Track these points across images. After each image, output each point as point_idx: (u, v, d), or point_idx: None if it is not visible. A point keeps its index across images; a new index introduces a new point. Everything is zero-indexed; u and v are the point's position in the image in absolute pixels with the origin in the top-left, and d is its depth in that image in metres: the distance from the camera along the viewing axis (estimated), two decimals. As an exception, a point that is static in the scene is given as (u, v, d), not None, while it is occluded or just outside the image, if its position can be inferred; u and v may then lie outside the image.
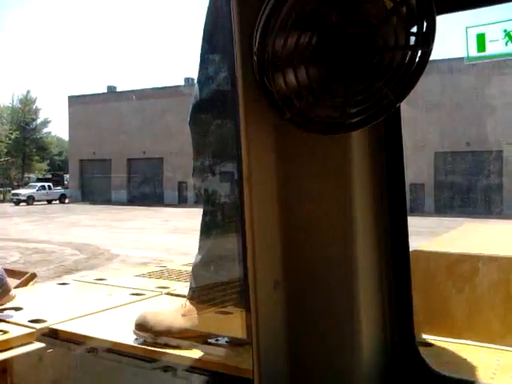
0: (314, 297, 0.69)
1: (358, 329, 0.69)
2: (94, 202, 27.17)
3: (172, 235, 12.19)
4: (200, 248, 1.31)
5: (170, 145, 26.51)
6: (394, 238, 0.74)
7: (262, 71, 0.56)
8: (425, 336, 0.98)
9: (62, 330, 1.30)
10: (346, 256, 0.70)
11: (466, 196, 19.77)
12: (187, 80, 28.18)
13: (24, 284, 2.84)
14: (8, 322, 1.39)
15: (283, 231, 0.67)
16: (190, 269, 2.17)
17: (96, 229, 13.33)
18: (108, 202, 26.52)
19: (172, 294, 1.69)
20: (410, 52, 0.54)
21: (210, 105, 1.23)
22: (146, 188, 27.30)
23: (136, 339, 1.17)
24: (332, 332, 0.69)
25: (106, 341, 1.19)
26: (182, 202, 26.54)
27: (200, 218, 1.35)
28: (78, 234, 12.06)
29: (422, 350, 0.73)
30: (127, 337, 1.23)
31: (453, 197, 20.16)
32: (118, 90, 28.13)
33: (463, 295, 0.94)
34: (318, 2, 0.54)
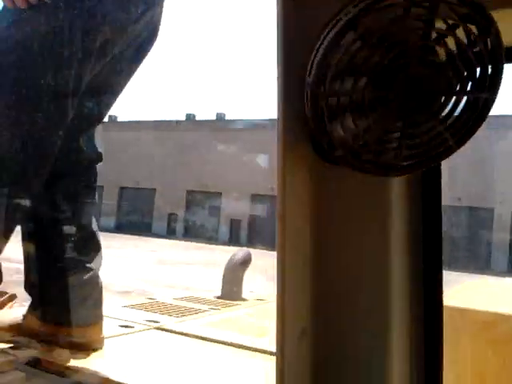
0: (341, 347, 0.64)
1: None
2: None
3: (158, 266, 11.97)
4: None
5: (162, 176, 26.59)
6: (428, 291, 0.70)
7: (316, 117, 0.53)
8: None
9: (44, 360, 1.21)
10: (377, 308, 0.66)
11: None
12: (188, 116, 28.63)
13: (2, 305, 2.71)
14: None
15: (314, 275, 0.63)
16: (181, 303, 2.10)
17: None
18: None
19: (162, 329, 1.61)
20: (473, 97, 0.51)
21: None
22: (134, 217, 27.08)
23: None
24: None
25: (94, 375, 1.10)
26: (170, 233, 26.30)
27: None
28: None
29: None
30: (118, 372, 1.14)
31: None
32: (119, 120, 28.46)
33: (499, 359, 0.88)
34: (375, 43, 0.51)
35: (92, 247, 1.41)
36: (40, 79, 1.17)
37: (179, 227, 27.28)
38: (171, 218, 27.40)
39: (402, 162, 0.53)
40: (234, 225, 25.74)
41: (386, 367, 0.66)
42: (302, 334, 0.62)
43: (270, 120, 25.31)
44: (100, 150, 1.42)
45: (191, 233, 26.45)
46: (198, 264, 13.61)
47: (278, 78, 0.61)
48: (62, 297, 1.35)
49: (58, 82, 1.18)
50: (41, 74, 1.17)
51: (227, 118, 27.87)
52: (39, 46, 1.15)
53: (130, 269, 10.64)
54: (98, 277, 1.40)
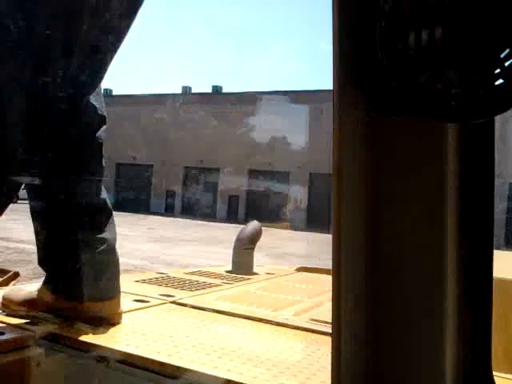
0: (392, 313, 0.61)
1: (438, 354, 0.62)
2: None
3: (156, 244, 11.99)
4: None
5: (160, 152, 26.42)
6: (478, 259, 0.66)
7: (390, 54, 0.48)
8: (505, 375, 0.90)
9: (63, 335, 1.19)
10: (428, 274, 0.63)
11: None
12: (184, 88, 28.23)
13: (6, 283, 2.69)
14: (2, 323, 1.27)
15: (369, 236, 0.59)
16: (192, 277, 2.08)
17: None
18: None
19: (178, 303, 1.58)
20: None
21: None
22: (132, 194, 27.01)
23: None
24: (412, 356, 0.61)
25: (117, 351, 1.08)
26: (168, 210, 26.28)
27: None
28: (61, 235, 11.75)
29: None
30: (139, 346, 1.12)
31: None
32: (114, 93, 28.08)
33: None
34: None
35: (103, 216, 1.35)
36: (31, 36, 1.12)
37: (177, 204, 27.28)
38: (169, 194, 27.37)
39: (480, 103, 0.48)
40: (232, 201, 25.76)
41: (437, 335, 0.64)
42: (355, 303, 0.59)
43: (268, 92, 25.02)
44: (101, 112, 1.34)
45: (189, 210, 26.46)
46: (197, 241, 13.66)
47: (333, 25, 0.56)
48: (77, 271, 1.31)
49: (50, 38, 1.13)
50: (31, 31, 1.12)
51: (224, 90, 27.53)
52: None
53: (129, 247, 10.67)
54: (113, 248, 1.34)
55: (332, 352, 0.56)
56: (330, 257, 0.58)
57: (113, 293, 1.32)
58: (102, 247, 1.31)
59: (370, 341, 0.58)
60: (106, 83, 1.38)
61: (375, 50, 0.52)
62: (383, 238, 0.60)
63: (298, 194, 24.99)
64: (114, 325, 1.28)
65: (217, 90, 27.70)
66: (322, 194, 24.78)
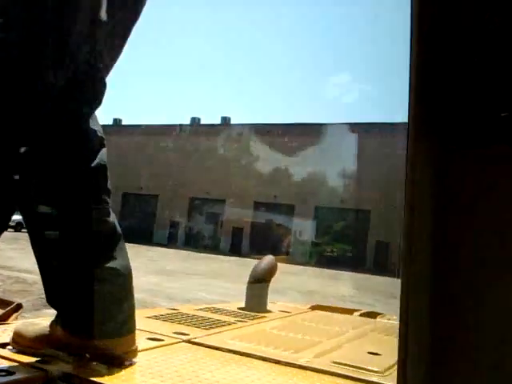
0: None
1: None
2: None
3: (158, 277, 11.84)
4: None
5: (166, 183, 26.51)
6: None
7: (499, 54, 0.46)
8: None
9: (77, 376, 1.13)
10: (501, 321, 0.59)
11: None
12: (193, 119, 28.56)
13: (7, 315, 2.61)
14: (12, 361, 1.21)
15: (436, 276, 0.56)
16: (205, 314, 2.01)
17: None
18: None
19: (193, 343, 1.52)
20: None
21: None
22: (136, 224, 26.94)
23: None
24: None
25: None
26: (171, 241, 26.12)
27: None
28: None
29: None
30: (159, 392, 1.06)
31: None
32: (124, 123, 28.37)
33: None
34: None
35: (113, 242, 1.26)
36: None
37: (181, 235, 27.15)
38: (172, 225, 27.25)
39: None
40: (236, 233, 25.60)
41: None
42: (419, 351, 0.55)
43: (277, 125, 25.24)
44: (101, 134, 1.28)
45: (192, 241, 26.28)
46: (199, 274, 13.47)
47: (411, 59, 0.54)
48: (89, 305, 1.25)
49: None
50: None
51: (232, 122, 27.81)
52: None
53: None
54: (125, 278, 1.27)
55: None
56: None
57: (127, 330, 1.26)
58: (113, 278, 1.24)
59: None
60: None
61: (459, 79, 0.50)
62: (454, 271, 0.57)
63: (300, 226, 24.84)
64: (130, 364, 1.22)
65: (225, 120, 27.97)
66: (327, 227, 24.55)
